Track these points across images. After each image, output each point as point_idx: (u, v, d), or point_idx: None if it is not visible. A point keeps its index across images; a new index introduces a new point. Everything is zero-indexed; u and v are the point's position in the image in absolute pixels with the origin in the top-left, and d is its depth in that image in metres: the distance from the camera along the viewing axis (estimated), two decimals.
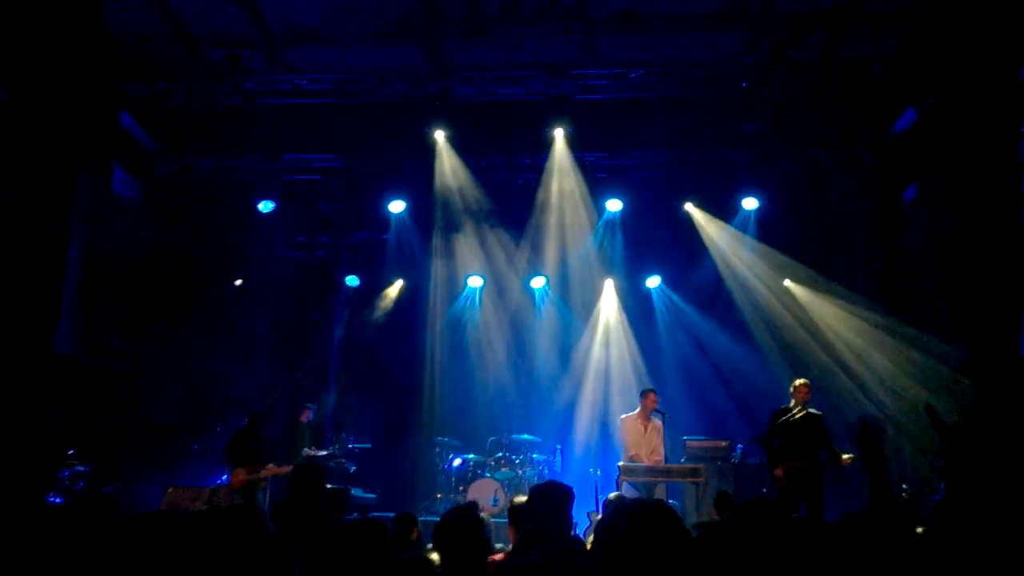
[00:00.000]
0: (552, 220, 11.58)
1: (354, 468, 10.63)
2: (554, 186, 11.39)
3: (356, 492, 10.40)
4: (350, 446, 10.48)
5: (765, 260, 11.44)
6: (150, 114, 11.01)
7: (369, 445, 10.73)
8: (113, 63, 9.99)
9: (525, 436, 10.60)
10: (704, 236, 11.60)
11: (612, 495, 7.39)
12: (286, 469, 8.98)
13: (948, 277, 9.31)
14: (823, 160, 11.32)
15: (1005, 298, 8.29)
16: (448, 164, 11.36)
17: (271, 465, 8.98)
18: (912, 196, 10.68)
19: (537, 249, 11.78)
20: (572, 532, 3.65)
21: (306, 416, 10.64)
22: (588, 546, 4.39)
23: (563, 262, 11.88)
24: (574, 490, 3.73)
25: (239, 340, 11.71)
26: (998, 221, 8.43)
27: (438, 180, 11.41)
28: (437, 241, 11.89)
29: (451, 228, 11.81)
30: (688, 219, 11.68)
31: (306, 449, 10.45)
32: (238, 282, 12.08)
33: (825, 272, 11.24)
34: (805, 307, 11.22)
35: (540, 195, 11.44)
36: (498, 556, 4.34)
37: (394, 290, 12.32)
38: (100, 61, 9.50)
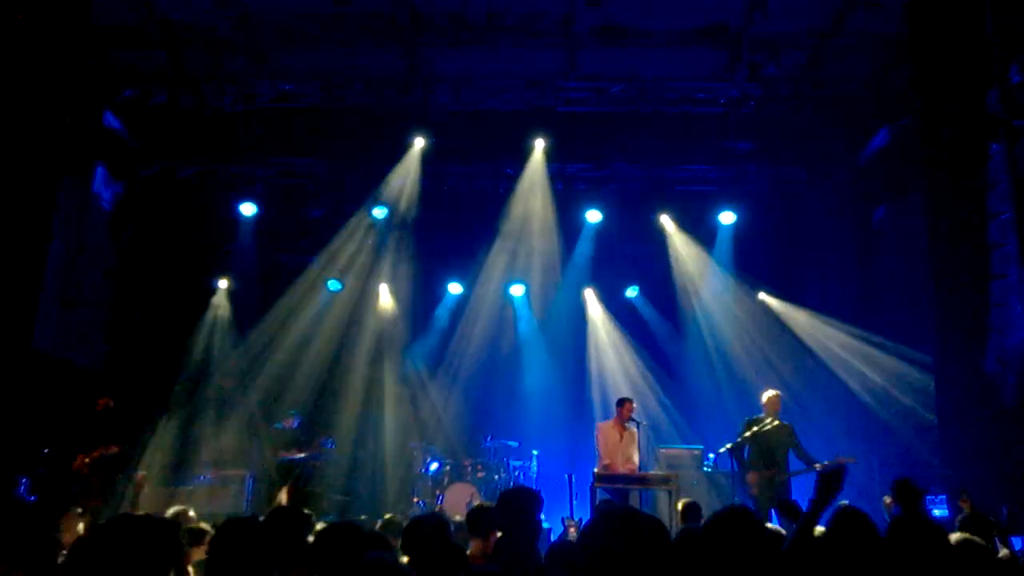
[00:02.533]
0: (532, 229, 11.68)
1: (331, 471, 10.66)
2: (534, 196, 11.50)
3: (333, 496, 10.44)
4: (328, 448, 10.51)
5: (737, 274, 11.63)
6: (134, 115, 11.00)
7: (348, 449, 10.76)
8: (99, 62, 9.99)
9: (501, 441, 10.68)
10: (672, 250, 11.78)
11: (600, 501, 7.47)
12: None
13: (918, 293, 9.53)
14: (798, 178, 11.52)
15: (971, 313, 8.54)
16: (428, 172, 11.45)
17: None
18: (883, 214, 10.89)
19: (516, 257, 11.88)
20: (541, 538, 3.73)
21: (290, 423, 10.68)
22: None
23: (541, 270, 12.00)
24: (545, 496, 3.81)
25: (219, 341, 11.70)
26: (966, 239, 8.68)
27: (419, 188, 11.49)
28: (417, 248, 11.97)
29: (429, 235, 11.88)
30: (662, 232, 11.87)
31: (283, 451, 10.47)
32: (222, 284, 12.07)
33: (798, 289, 11.46)
34: (777, 319, 11.42)
35: (520, 204, 11.54)
36: None
37: (376, 295, 12.37)
38: (86, 60, 9.52)
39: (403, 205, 11.57)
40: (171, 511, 5.63)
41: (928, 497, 7.68)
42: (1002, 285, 8.39)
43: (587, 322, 12.21)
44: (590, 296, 12.27)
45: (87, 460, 8.75)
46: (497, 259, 11.97)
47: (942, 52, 8.75)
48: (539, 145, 11.20)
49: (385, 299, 12.39)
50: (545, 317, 12.19)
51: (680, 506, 6.87)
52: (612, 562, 2.03)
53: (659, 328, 12.12)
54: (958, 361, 8.63)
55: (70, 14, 8.71)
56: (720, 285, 11.72)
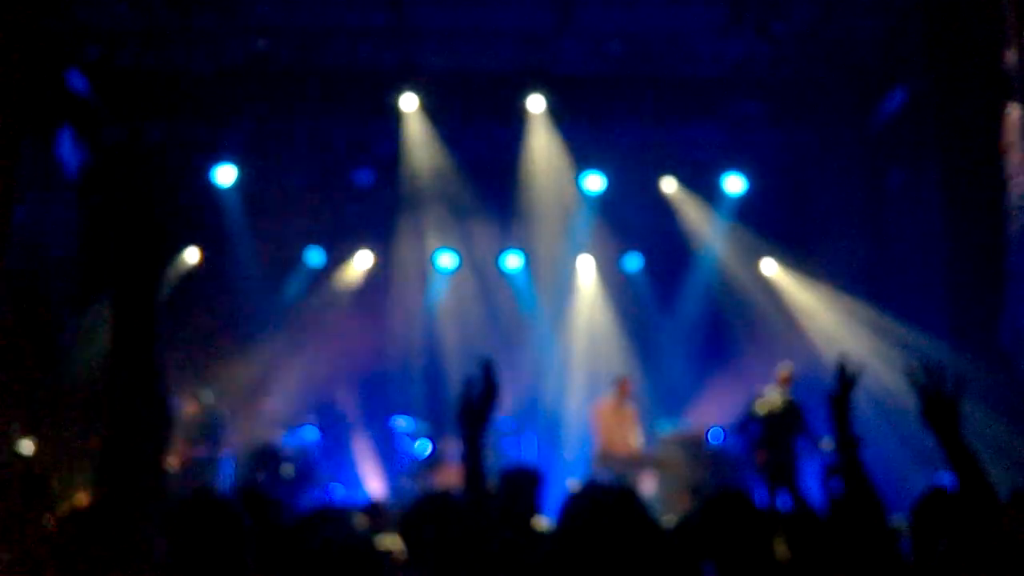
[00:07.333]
0: (527, 196, 11.56)
1: (316, 453, 10.60)
2: (528, 161, 11.36)
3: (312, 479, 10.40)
4: (312, 427, 10.45)
5: (743, 242, 11.57)
6: (100, 75, 10.77)
7: (329, 428, 10.71)
8: (61, 19, 9.74)
9: (498, 418, 10.61)
10: (681, 216, 11.69)
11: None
12: None
13: (931, 263, 9.51)
14: (808, 142, 11.43)
15: (987, 284, 8.53)
16: (418, 135, 11.25)
17: None
18: (896, 181, 10.85)
19: (511, 226, 11.76)
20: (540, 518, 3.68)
21: (269, 403, 10.61)
22: None
23: (538, 240, 11.91)
24: (545, 475, 3.77)
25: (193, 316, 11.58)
26: (983, 206, 8.65)
27: (406, 152, 11.31)
28: (406, 215, 11.83)
29: (420, 203, 11.73)
30: (666, 198, 11.77)
31: (265, 433, 10.42)
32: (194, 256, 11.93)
33: (806, 260, 11.42)
34: (783, 292, 11.39)
35: (514, 170, 11.40)
36: None
37: (359, 266, 12.25)
38: (46, 16, 9.29)
39: (393, 170, 11.41)
40: None
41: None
42: (1020, 256, 8.37)
43: (586, 294, 12.11)
44: (589, 266, 12.18)
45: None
46: (491, 228, 11.85)
47: (957, 10, 8.67)
48: (533, 107, 10.99)
49: (363, 266, 12.25)
50: (541, 287, 12.09)
51: (689, 489, 6.88)
52: (583, 540, 1.97)
53: (659, 298, 12.06)
54: (972, 336, 8.64)
55: None
56: (723, 252, 11.66)
